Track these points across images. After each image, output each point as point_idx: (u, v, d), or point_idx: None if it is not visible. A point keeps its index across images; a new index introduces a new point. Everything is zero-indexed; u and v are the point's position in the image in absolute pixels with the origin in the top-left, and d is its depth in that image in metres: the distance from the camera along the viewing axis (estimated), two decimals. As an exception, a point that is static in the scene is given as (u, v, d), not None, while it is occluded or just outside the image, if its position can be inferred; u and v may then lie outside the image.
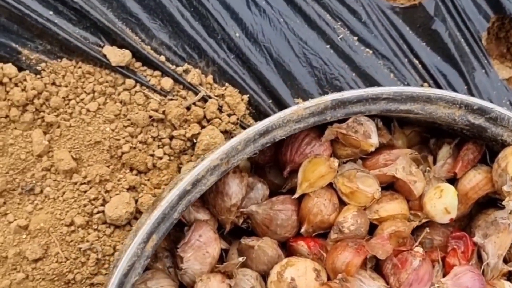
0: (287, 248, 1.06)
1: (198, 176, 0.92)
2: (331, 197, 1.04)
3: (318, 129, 1.04)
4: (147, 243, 0.92)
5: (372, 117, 1.04)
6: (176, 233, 1.05)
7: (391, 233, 1.02)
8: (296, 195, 1.03)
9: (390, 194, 1.07)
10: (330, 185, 1.05)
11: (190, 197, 0.93)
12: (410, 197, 1.07)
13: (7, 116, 1.17)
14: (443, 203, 1.04)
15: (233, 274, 0.99)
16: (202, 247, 1.00)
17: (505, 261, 1.09)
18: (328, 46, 1.28)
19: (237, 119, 1.21)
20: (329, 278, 1.00)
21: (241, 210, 1.03)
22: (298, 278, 0.97)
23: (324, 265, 1.01)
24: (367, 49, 1.30)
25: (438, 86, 1.30)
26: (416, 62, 1.31)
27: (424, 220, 1.07)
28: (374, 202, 1.05)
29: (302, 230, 1.04)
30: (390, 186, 1.09)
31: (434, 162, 1.10)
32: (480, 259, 1.09)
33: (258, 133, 0.94)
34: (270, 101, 1.25)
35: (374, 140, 1.03)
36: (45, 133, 1.18)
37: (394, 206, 1.06)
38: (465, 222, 1.14)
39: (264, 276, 1.03)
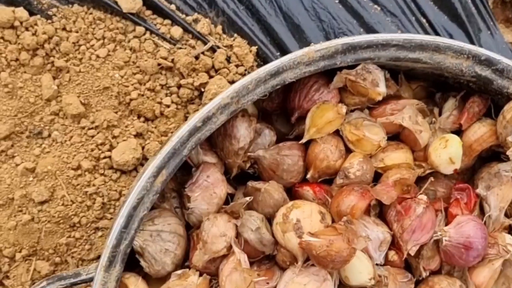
0: (292, 194, 1.08)
1: (208, 113, 0.93)
2: (338, 144, 1.05)
3: (327, 76, 1.05)
4: (156, 178, 0.93)
5: (380, 68, 1.05)
6: (183, 177, 1.06)
7: (396, 180, 1.03)
8: (304, 140, 1.04)
9: (396, 144, 1.08)
10: (337, 133, 1.06)
11: (200, 134, 0.94)
12: (415, 147, 1.08)
13: (17, 60, 1.18)
14: (448, 153, 1.05)
15: (239, 214, 1.01)
16: (209, 187, 1.01)
17: (507, 215, 1.10)
18: (337, 1, 1.29)
19: (245, 70, 1.22)
20: (333, 222, 1.01)
21: (249, 154, 1.04)
22: (303, 219, 0.98)
23: (329, 209, 1.03)
24: (376, 6, 1.31)
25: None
26: (423, 20, 1.32)
27: (428, 171, 1.08)
28: (379, 150, 1.06)
29: (308, 176, 1.06)
30: (396, 137, 1.10)
31: (440, 115, 1.11)
32: (482, 212, 1.10)
33: (269, 74, 0.95)
34: (278, 53, 1.26)
35: (382, 89, 1.04)
36: (54, 78, 1.19)
37: (399, 155, 1.07)
38: (468, 176, 1.15)
39: (269, 219, 1.04)
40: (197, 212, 1.02)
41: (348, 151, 1.07)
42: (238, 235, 1.01)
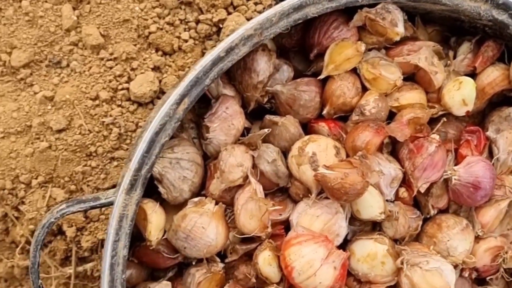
0: (307, 130, 1.10)
1: (232, 43, 0.95)
2: (355, 81, 1.07)
3: (347, 15, 1.06)
4: (179, 105, 0.95)
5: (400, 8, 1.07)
6: (200, 109, 1.08)
7: (409, 119, 1.05)
8: (322, 76, 1.06)
9: (411, 84, 1.11)
10: (354, 71, 1.08)
11: (222, 65, 0.96)
12: (430, 88, 1.10)
13: (38, -12, 1.19)
14: (461, 94, 1.07)
15: (257, 146, 1.03)
16: (228, 118, 1.03)
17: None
18: None
19: (263, 8, 1.23)
20: (347, 157, 1.04)
21: (267, 89, 1.06)
22: (319, 153, 1.01)
23: (344, 144, 1.05)
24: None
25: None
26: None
27: (441, 112, 1.10)
28: (395, 90, 1.08)
29: (324, 112, 1.08)
30: (411, 78, 1.12)
31: (454, 58, 1.13)
32: (491, 155, 1.13)
33: (292, 7, 0.96)
34: (297, -8, 1.27)
35: (400, 29, 1.06)
36: (74, 9, 1.20)
37: (413, 95, 1.09)
38: (479, 119, 1.17)
39: (285, 153, 1.07)
40: (215, 142, 1.04)
41: (365, 89, 1.09)
42: (254, 166, 1.04)
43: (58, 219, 0.99)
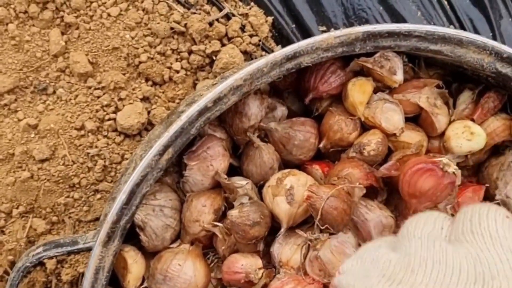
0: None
1: (220, 94, 0.91)
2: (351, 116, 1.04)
3: (343, 58, 1.02)
4: (162, 156, 0.91)
5: (398, 53, 1.02)
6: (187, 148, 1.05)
7: (398, 158, 1.02)
8: (361, 117, 1.03)
9: (413, 126, 1.07)
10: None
11: (209, 114, 0.92)
12: (432, 132, 1.06)
13: (26, 12, 1.15)
14: (470, 146, 1.03)
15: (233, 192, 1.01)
16: (207, 159, 1.00)
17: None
18: (358, -23, 1.25)
19: (259, 40, 1.20)
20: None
21: (260, 125, 1.03)
22: (297, 187, 0.98)
23: (328, 173, 1.03)
24: (397, -16, 1.27)
25: (464, 30, 1.28)
26: (445, 2, 1.29)
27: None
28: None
29: (321, 145, 1.05)
30: (415, 120, 1.08)
31: (454, 106, 1.09)
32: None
33: (285, 57, 0.92)
34: (294, 25, 1.23)
35: (399, 77, 1.02)
36: (63, 34, 1.16)
37: (415, 135, 1.05)
38: (475, 169, 1.13)
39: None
40: (191, 181, 1.01)
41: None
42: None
43: (34, 263, 0.96)
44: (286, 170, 1.02)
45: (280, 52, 0.92)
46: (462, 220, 0.76)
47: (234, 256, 0.99)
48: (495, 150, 1.11)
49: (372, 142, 1.02)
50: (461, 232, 0.74)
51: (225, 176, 1.00)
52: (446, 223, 0.78)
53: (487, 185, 1.07)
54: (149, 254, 1.01)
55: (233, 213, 0.97)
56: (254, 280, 0.96)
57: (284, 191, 0.98)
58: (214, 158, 1.01)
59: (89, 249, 0.94)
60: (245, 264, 0.98)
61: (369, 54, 1.00)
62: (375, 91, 1.05)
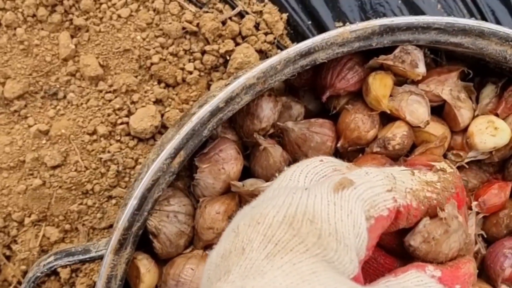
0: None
1: (232, 94, 0.88)
2: (371, 113, 1.00)
3: (361, 54, 0.98)
4: (174, 159, 0.88)
5: (419, 47, 0.99)
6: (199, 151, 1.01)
7: (421, 152, 0.99)
8: (386, 110, 0.98)
9: (438, 118, 1.03)
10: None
11: (221, 115, 0.89)
12: (455, 127, 1.02)
13: (34, 16, 1.12)
14: (495, 142, 0.99)
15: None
16: (219, 161, 0.96)
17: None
18: (375, -31, 1.22)
19: (274, 38, 1.16)
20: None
21: (277, 123, 0.99)
22: None
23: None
24: (416, -24, 1.23)
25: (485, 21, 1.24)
26: (466, -6, 1.25)
27: (466, 160, 1.02)
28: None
29: (338, 145, 1.00)
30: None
31: (477, 101, 1.05)
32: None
33: (299, 54, 0.88)
34: (310, 22, 1.19)
35: (422, 70, 0.97)
36: (72, 37, 1.13)
37: (439, 127, 1.01)
38: (499, 165, 1.09)
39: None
40: (202, 185, 0.97)
41: (382, 117, 1.02)
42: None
43: (45, 273, 0.93)
44: None
45: (293, 49, 0.88)
46: None
47: None
48: (521, 145, 1.07)
49: (397, 136, 0.98)
50: None
51: (241, 184, 0.97)
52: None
53: (513, 181, 1.04)
54: (162, 261, 0.98)
55: None
56: None
57: None
58: (226, 161, 0.97)
59: (101, 257, 0.91)
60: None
61: (386, 49, 0.96)
62: (397, 84, 1.02)
